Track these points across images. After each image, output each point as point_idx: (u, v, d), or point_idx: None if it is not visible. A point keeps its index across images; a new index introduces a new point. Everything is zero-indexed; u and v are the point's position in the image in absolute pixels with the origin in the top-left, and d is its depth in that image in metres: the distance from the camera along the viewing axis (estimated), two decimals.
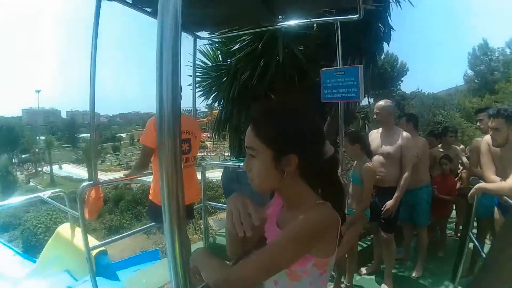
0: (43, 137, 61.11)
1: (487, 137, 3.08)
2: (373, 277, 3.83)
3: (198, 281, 1.10)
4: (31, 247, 14.55)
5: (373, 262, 4.00)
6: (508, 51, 35.19)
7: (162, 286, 3.55)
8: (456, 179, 4.79)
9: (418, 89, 33.07)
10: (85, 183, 3.02)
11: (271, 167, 1.06)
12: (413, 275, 3.84)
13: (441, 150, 4.78)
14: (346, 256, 3.41)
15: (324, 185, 1.15)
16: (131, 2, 3.02)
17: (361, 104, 16.37)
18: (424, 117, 24.58)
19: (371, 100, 28.24)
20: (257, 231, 1.17)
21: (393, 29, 5.97)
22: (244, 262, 1.03)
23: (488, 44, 37.38)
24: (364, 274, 3.87)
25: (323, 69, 3.65)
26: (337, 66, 3.62)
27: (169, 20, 0.93)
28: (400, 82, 38.28)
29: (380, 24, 5.73)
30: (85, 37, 2.92)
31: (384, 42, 6.07)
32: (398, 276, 3.86)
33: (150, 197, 3.18)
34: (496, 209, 3.06)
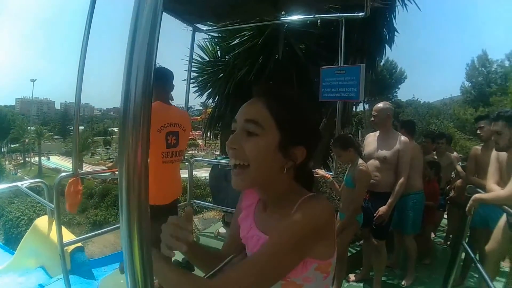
0: (34, 128, 60.59)
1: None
2: (361, 284, 3.72)
3: None
4: (12, 239, 14.31)
5: (362, 268, 3.89)
6: (507, 63, 35.19)
7: None
8: (448, 187, 4.87)
9: (414, 97, 33.38)
10: (63, 174, 2.89)
11: (274, 154, 0.91)
12: (403, 283, 3.74)
13: (435, 157, 4.74)
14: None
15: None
16: None
17: (355, 109, 16.36)
18: (418, 126, 24.78)
19: (367, 106, 28.38)
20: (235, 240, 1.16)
21: (397, 32, 5.84)
22: (228, 277, 0.83)
23: (487, 56, 37.20)
24: (353, 281, 3.75)
25: (323, 67, 3.53)
26: (338, 65, 3.51)
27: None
28: (397, 90, 38.63)
29: (384, 28, 5.61)
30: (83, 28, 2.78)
31: (387, 46, 5.94)
32: (387, 284, 3.77)
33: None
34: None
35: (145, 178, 0.74)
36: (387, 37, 5.75)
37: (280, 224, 0.88)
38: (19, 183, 3.80)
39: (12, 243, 13.67)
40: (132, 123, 0.72)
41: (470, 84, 37.56)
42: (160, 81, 2.77)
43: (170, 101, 2.91)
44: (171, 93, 2.94)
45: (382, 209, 3.28)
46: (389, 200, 3.29)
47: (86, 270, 3.69)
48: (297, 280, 0.89)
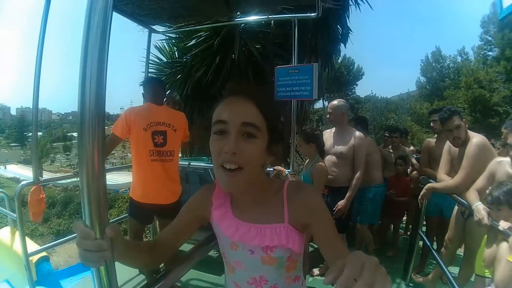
0: None
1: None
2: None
3: None
4: None
5: (325, 263, 3.96)
6: (459, 59, 37.00)
7: None
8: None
9: (372, 93, 34.18)
10: (24, 182, 2.85)
11: (264, 154, 0.98)
12: None
13: (390, 151, 4.87)
14: None
15: None
16: None
17: (315, 107, 16.62)
18: (377, 120, 25.56)
19: (326, 103, 28.85)
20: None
21: (351, 31, 6.07)
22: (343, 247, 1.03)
23: (441, 52, 39.12)
24: (317, 275, 3.84)
25: (277, 66, 3.61)
26: (293, 64, 3.59)
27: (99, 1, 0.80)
28: (355, 86, 39.51)
29: (338, 26, 5.82)
30: (38, 32, 2.71)
31: (341, 44, 6.15)
32: None
33: (129, 194, 3.03)
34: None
35: (103, 178, 0.82)
36: (341, 36, 5.97)
37: (310, 209, 1.02)
38: None
39: None
40: (88, 123, 0.79)
41: (425, 79, 39.27)
42: (148, 85, 3.04)
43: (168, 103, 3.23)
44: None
45: (341, 203, 3.39)
46: (347, 194, 3.41)
47: (53, 280, 3.58)
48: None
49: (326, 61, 6.03)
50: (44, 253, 3.56)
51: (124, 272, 3.38)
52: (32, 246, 3.15)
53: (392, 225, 4.89)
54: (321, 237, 1.03)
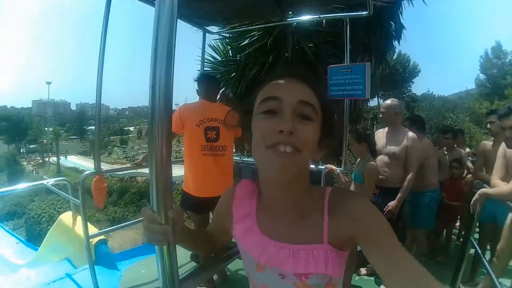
0: (51, 128, 61.58)
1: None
2: (372, 278, 3.76)
3: None
4: (34, 236, 14.71)
5: None
6: None
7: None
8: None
9: (428, 91, 32.84)
10: (87, 172, 3.02)
11: (316, 141, 0.83)
12: None
13: (445, 152, 4.64)
14: None
15: None
16: None
17: (370, 105, 16.26)
18: (434, 120, 24.46)
19: (381, 101, 28.14)
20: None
21: (404, 28, 5.91)
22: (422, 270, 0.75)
23: (501, 47, 36.31)
24: (364, 275, 3.80)
25: (330, 66, 3.59)
26: (345, 63, 3.57)
27: (166, 10, 0.91)
28: (410, 84, 38.03)
29: (391, 22, 5.69)
30: (96, 31, 2.88)
31: (395, 41, 6.01)
32: None
33: (183, 187, 3.16)
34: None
35: (169, 170, 0.93)
36: (395, 33, 5.83)
37: (369, 227, 0.79)
38: (45, 181, 4.02)
39: (34, 239, 14.08)
40: (157, 120, 0.90)
41: (485, 77, 36.61)
42: (202, 82, 3.12)
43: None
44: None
45: (392, 204, 3.33)
46: (398, 195, 3.34)
47: (109, 261, 3.86)
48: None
49: (379, 58, 5.91)
50: (102, 236, 3.84)
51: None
52: (91, 229, 3.35)
53: (445, 230, 4.71)
54: (380, 259, 0.78)
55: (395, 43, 6.09)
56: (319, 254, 0.82)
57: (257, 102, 0.86)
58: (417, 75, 37.94)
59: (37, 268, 4.56)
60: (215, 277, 3.26)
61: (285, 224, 0.87)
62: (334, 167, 3.51)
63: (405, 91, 36.91)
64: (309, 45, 5.46)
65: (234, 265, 3.49)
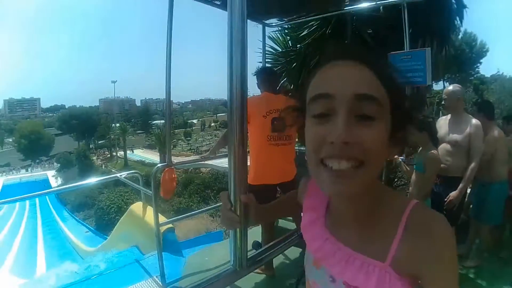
0: (118, 124, 65.18)
1: None
2: None
3: None
4: (103, 225, 15.92)
5: None
6: None
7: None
8: None
9: (498, 72, 30.59)
10: (159, 164, 3.20)
11: (386, 142, 0.66)
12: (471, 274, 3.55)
13: None
14: None
15: None
16: None
17: (435, 89, 15.52)
18: (505, 103, 22.74)
19: (447, 84, 26.73)
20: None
21: (466, 7, 5.59)
22: None
23: None
24: None
25: (390, 52, 3.53)
26: (405, 49, 3.50)
27: (237, 12, 1.04)
28: (478, 65, 35.52)
29: (452, 4, 5.40)
30: (157, 31, 3.03)
31: (458, 21, 5.70)
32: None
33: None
34: None
35: (245, 160, 1.05)
36: (457, 12, 5.53)
37: (435, 272, 0.67)
38: (118, 174, 4.38)
39: (103, 228, 15.18)
40: (235, 114, 1.03)
41: None
42: (265, 76, 3.27)
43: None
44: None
45: (453, 194, 3.24)
46: (460, 185, 3.24)
47: (176, 248, 4.11)
48: None
49: (442, 40, 5.62)
50: (170, 225, 4.08)
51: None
52: (161, 218, 3.56)
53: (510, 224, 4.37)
54: None
55: (459, 22, 5.77)
56: (374, 271, 0.70)
57: (307, 98, 0.70)
58: (485, 55, 35.37)
59: (107, 254, 4.96)
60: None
61: (352, 227, 0.76)
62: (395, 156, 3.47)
63: (473, 72, 34.67)
64: (368, 31, 5.34)
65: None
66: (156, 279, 3.43)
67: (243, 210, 1.10)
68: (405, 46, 3.46)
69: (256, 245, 3.50)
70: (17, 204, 26.74)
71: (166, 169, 3.13)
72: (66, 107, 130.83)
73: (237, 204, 1.11)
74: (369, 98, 0.62)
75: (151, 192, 3.21)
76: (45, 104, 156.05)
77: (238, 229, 1.20)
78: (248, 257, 1.43)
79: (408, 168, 3.50)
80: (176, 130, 72.86)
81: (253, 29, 4.32)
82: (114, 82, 73.78)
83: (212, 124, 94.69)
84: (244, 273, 1.54)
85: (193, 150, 58.51)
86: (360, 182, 0.63)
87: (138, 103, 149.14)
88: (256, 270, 3.00)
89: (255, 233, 3.58)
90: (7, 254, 15.69)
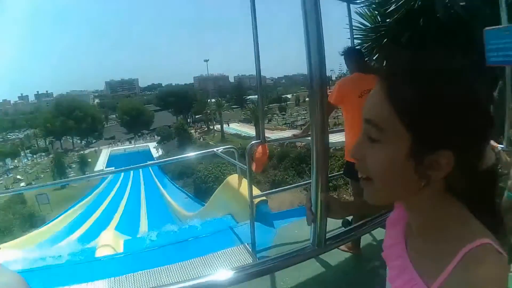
0: (213, 100, 68.22)
1: None
2: None
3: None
4: (201, 193, 17.03)
5: None
6: None
7: None
8: None
9: None
10: (253, 141, 3.40)
11: (405, 165, 0.63)
12: None
13: None
14: None
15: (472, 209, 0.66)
16: None
17: None
18: None
19: None
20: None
21: None
22: None
23: None
24: None
25: (486, 28, 3.22)
26: (503, 24, 3.20)
27: None
28: None
29: None
30: (245, 7, 3.03)
31: None
32: None
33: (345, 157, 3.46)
34: None
35: (327, 138, 1.15)
36: None
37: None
38: (215, 149, 4.78)
39: (200, 196, 16.27)
40: (315, 91, 1.13)
41: None
42: (354, 56, 3.33)
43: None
44: None
45: None
46: None
47: (267, 219, 4.31)
48: None
49: None
50: (263, 198, 4.33)
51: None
52: (255, 191, 3.85)
53: None
54: None
55: None
56: None
57: None
58: None
59: (203, 220, 5.47)
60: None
61: (416, 237, 0.74)
62: (495, 144, 3.28)
63: None
64: (461, 3, 4.93)
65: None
66: (247, 246, 3.71)
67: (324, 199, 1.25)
68: (501, 20, 3.18)
69: (346, 223, 3.63)
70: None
71: (259, 145, 3.32)
72: (163, 85, 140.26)
73: (318, 188, 1.26)
74: (370, 123, 0.66)
75: (245, 166, 3.48)
76: (143, 83, 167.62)
77: (318, 210, 1.34)
78: (328, 236, 1.58)
79: (508, 159, 3.29)
80: (270, 105, 73.52)
81: (339, 4, 4.29)
82: (206, 60, 76.83)
83: (307, 99, 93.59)
84: (322, 251, 1.71)
85: (288, 125, 58.89)
86: (374, 194, 0.70)
87: (231, 80, 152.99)
88: (342, 247, 3.14)
89: None
90: (114, 214, 17.82)
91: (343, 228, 3.78)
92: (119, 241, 5.92)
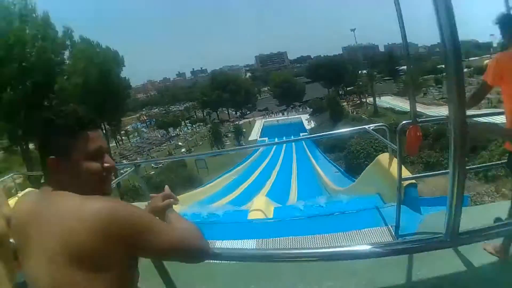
0: (364, 71, 65.46)
1: None
2: None
3: None
4: (351, 168, 16.95)
5: None
6: None
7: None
8: None
9: None
10: (404, 121, 3.20)
11: None
12: None
13: None
14: None
15: None
16: None
17: None
18: None
19: None
20: None
21: None
22: None
23: None
24: None
25: None
26: None
27: None
28: None
29: None
30: None
31: None
32: None
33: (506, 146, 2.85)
34: None
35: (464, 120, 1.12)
36: None
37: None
38: (366, 126, 4.71)
39: (351, 171, 16.15)
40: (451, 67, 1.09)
41: None
42: (507, 26, 2.56)
43: None
44: None
45: None
46: None
47: (415, 204, 4.09)
48: None
49: None
50: (413, 181, 4.16)
51: None
52: (405, 173, 3.73)
53: None
54: None
55: None
56: None
57: None
58: None
59: (352, 196, 5.55)
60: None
61: None
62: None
63: None
64: None
65: None
66: (391, 229, 3.65)
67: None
68: None
69: (497, 219, 3.25)
70: (276, 140, 32.28)
71: (411, 126, 3.07)
72: (312, 57, 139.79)
73: (455, 177, 1.19)
74: None
75: (395, 147, 3.38)
76: (292, 56, 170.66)
77: (453, 200, 1.25)
78: (462, 231, 1.38)
79: None
80: (425, 77, 67.19)
81: None
82: (353, 30, 73.16)
83: (465, 69, 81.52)
84: (453, 245, 1.61)
85: (445, 99, 52.71)
86: None
87: (381, 49, 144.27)
88: (488, 248, 2.74)
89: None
90: (266, 182, 18.99)
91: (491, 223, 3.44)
92: (270, 207, 6.38)
